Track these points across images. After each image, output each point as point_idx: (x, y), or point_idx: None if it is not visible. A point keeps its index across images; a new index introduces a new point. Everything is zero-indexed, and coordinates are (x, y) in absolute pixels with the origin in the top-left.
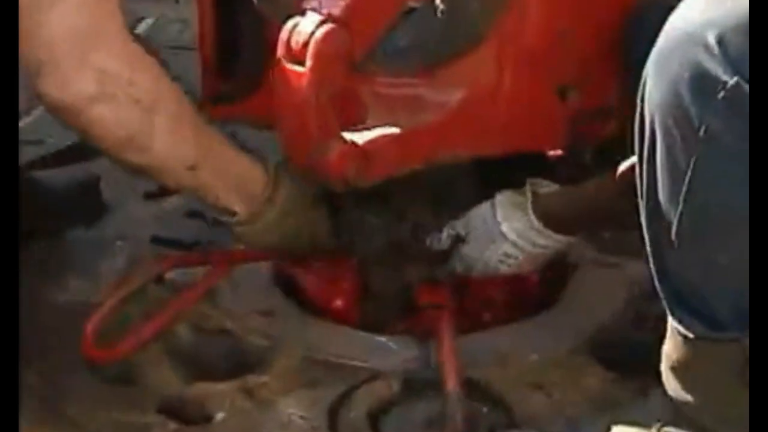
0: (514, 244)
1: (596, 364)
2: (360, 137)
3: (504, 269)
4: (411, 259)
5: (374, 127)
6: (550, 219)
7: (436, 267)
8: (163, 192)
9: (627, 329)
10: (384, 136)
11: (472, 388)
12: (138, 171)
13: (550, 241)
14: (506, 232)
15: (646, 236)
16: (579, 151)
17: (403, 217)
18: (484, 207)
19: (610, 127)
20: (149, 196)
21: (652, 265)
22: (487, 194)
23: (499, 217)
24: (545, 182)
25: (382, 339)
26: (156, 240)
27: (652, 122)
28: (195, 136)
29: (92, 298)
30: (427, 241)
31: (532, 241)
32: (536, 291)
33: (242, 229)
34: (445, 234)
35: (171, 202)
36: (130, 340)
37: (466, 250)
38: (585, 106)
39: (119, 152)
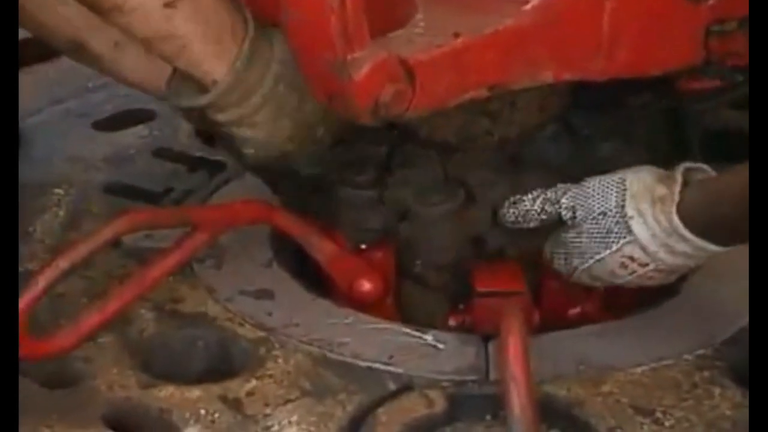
0: (644, 249)
1: (730, 380)
2: (403, 48)
3: (623, 277)
4: (473, 233)
5: (423, 33)
6: (699, 222)
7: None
8: (121, 120)
9: None
10: (436, 48)
11: (549, 410)
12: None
13: (696, 251)
14: (637, 231)
15: None
16: (722, 82)
17: (462, 174)
18: (606, 185)
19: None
20: (101, 125)
21: None
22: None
23: (629, 209)
24: (703, 167)
25: (425, 336)
26: (111, 188)
27: None
28: None
29: (22, 267)
30: (503, 213)
31: (671, 249)
32: None
33: (230, 114)
34: (537, 204)
35: (132, 135)
36: (73, 327)
37: (569, 237)
38: (726, 11)
39: None
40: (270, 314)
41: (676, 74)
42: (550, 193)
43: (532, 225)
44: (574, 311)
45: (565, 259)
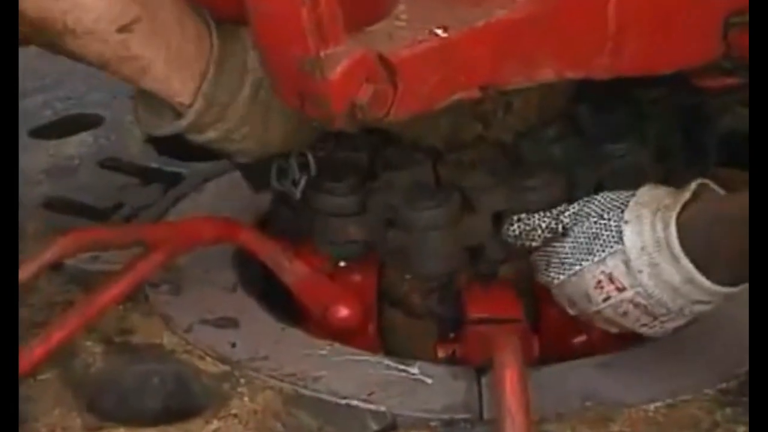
0: (627, 264)
1: None
2: (383, 43)
3: (595, 302)
4: (470, 243)
5: (406, 27)
6: (696, 245)
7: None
8: (63, 127)
9: None
10: (420, 43)
11: None
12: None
13: (683, 284)
14: (627, 238)
15: None
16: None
17: (456, 177)
18: (614, 195)
19: None
20: (39, 133)
21: None
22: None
23: (628, 213)
24: (719, 189)
25: (410, 369)
26: (52, 204)
27: None
28: None
29: None
30: (506, 228)
31: (657, 270)
32: None
33: (211, 133)
34: (545, 223)
35: (75, 143)
36: None
37: (555, 244)
38: (745, 2)
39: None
40: (234, 346)
41: (692, 71)
42: (557, 211)
43: (535, 243)
44: (579, 340)
45: (545, 268)
